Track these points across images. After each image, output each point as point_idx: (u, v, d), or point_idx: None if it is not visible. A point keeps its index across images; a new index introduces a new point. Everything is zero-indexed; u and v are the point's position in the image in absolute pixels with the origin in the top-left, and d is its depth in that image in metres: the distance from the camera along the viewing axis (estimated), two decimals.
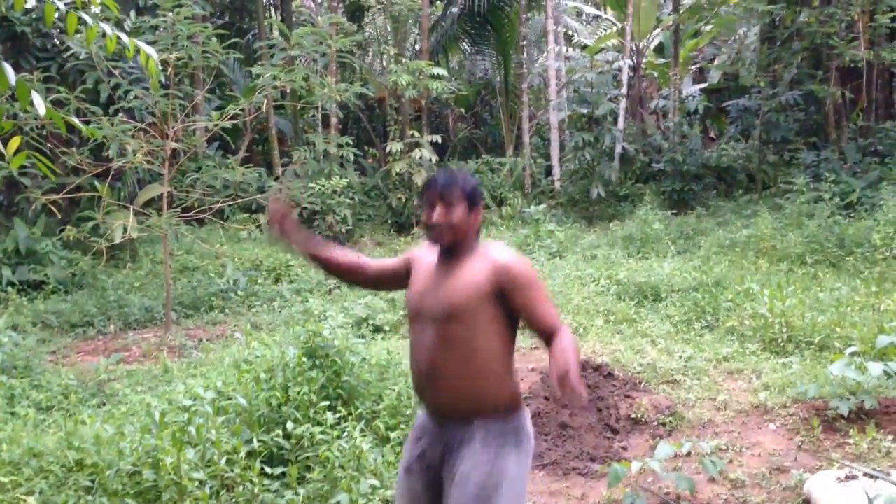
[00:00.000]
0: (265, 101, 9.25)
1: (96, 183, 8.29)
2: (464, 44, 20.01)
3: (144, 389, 5.68)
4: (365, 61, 19.11)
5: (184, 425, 3.98)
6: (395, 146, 15.00)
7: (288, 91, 10.84)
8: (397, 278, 2.84)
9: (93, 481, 3.76)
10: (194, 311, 9.05)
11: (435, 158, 15.01)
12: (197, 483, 3.70)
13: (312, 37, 9.39)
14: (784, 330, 6.48)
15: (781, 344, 6.40)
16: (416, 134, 15.09)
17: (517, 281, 2.52)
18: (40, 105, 2.98)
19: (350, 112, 17.79)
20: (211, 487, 3.78)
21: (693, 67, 20.96)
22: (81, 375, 6.08)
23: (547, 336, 2.46)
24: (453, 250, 2.61)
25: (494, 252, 2.60)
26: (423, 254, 2.76)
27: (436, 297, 2.58)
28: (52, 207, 8.71)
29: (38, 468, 3.86)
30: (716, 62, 20.02)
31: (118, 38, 3.25)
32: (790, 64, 14.53)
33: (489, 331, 2.55)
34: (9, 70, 2.80)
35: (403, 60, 15.62)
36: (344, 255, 2.89)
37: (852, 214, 10.98)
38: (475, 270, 2.56)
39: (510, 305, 2.53)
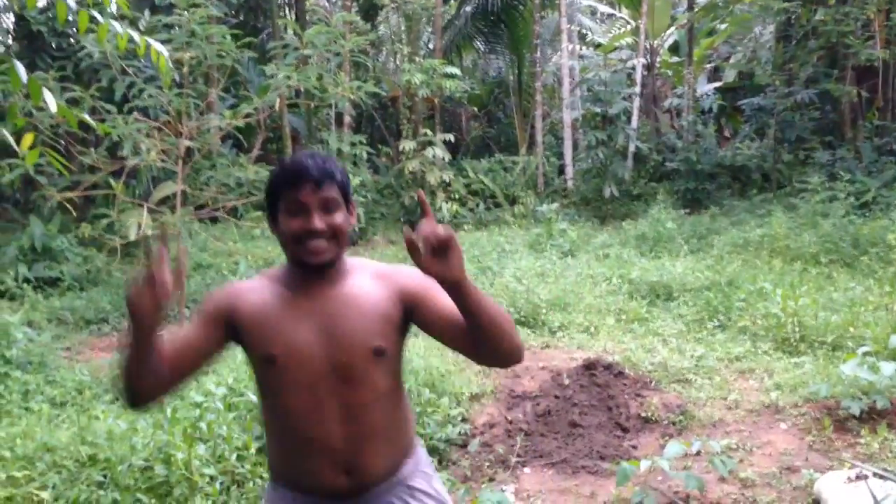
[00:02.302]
0: (279, 100, 9.28)
1: (111, 181, 8.34)
2: (477, 42, 19.99)
3: None
4: (378, 60, 19.15)
5: (195, 421, 4.02)
6: (407, 145, 15.01)
7: (301, 90, 10.88)
8: (208, 349, 1.92)
9: (105, 476, 3.80)
10: None
11: (448, 157, 15.01)
12: (208, 479, 3.73)
13: (326, 36, 9.40)
14: (797, 329, 6.45)
15: (794, 343, 6.37)
16: (429, 133, 15.10)
17: (423, 285, 1.94)
18: (52, 102, 3.01)
19: (363, 111, 17.82)
20: (221, 483, 3.81)
21: (708, 66, 20.86)
22: (95, 371, 6.13)
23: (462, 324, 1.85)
24: (327, 270, 1.94)
25: (373, 265, 2.05)
26: (249, 292, 1.95)
27: (330, 345, 1.89)
28: (68, 205, 8.75)
29: (51, 463, 3.90)
30: (731, 61, 19.93)
31: (130, 36, 3.28)
32: (806, 63, 14.44)
33: (400, 362, 2.04)
34: (20, 68, 2.83)
35: (417, 59, 15.64)
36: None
37: (867, 214, 10.91)
38: (369, 293, 1.95)
39: (418, 319, 1.96)
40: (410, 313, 1.96)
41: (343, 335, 1.90)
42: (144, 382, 1.83)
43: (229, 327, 1.93)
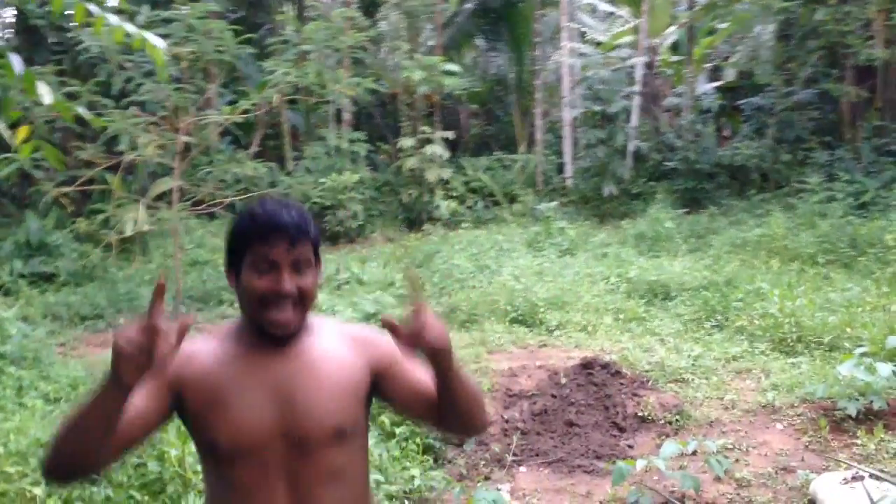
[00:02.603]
0: (277, 96, 9.27)
1: (108, 176, 8.34)
2: (477, 40, 19.98)
3: None
4: (378, 57, 19.11)
5: None
6: (407, 142, 15.00)
7: (301, 86, 10.87)
8: (155, 421, 1.66)
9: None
10: (204, 304, 9.08)
11: (447, 155, 14.99)
12: (201, 476, 3.71)
13: (325, 32, 9.41)
14: (794, 330, 6.44)
15: (791, 344, 6.36)
16: (429, 130, 15.08)
17: (395, 355, 1.76)
18: (47, 95, 2.99)
19: (363, 108, 17.80)
20: None
21: (708, 65, 20.81)
22: (90, 367, 6.11)
23: (432, 397, 1.74)
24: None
25: (339, 326, 1.84)
26: (197, 357, 1.69)
27: (285, 420, 1.65)
28: (64, 200, 8.76)
29: None
30: (731, 60, 19.89)
31: (126, 30, 3.25)
32: (805, 62, 14.42)
33: (365, 437, 1.83)
34: (15, 60, 2.81)
35: (416, 56, 15.61)
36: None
37: (866, 215, 10.89)
38: (334, 360, 1.73)
39: (384, 391, 1.79)
40: (376, 385, 1.78)
41: (301, 411, 1.67)
42: (94, 451, 1.55)
43: (174, 398, 1.68)
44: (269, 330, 1.66)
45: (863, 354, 4.94)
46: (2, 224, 12.99)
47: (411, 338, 1.57)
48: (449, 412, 1.75)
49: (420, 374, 1.76)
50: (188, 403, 1.68)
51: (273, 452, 1.66)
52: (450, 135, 15.42)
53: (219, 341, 1.74)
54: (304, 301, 1.67)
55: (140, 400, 1.61)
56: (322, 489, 1.70)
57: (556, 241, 11.38)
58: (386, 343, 1.73)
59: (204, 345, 1.74)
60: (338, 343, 1.77)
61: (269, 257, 1.63)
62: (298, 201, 1.71)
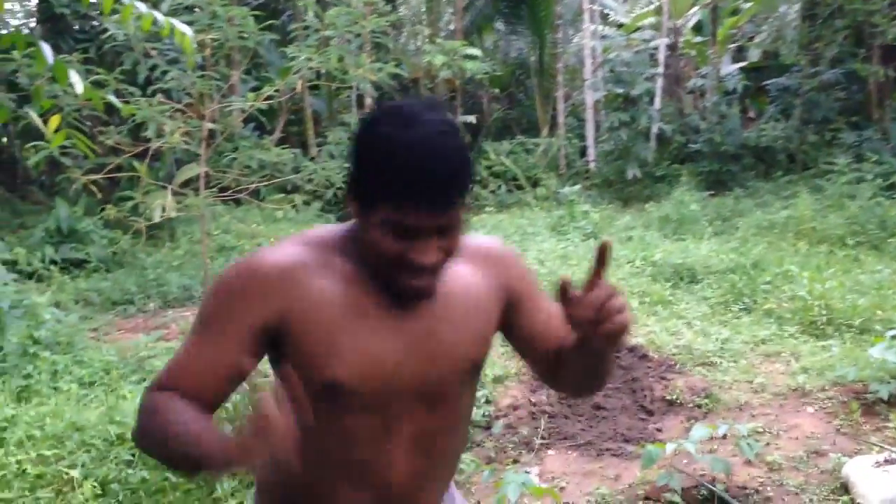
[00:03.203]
0: (300, 82, 9.27)
1: (135, 163, 8.40)
2: (498, 23, 19.87)
3: None
4: (399, 41, 19.07)
5: None
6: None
7: (322, 71, 10.86)
8: (249, 369, 1.31)
9: (133, 455, 3.85)
10: None
11: (469, 139, 14.95)
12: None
13: (347, 17, 9.37)
14: (823, 312, 6.39)
15: (821, 326, 6.31)
16: (450, 114, 15.03)
17: (530, 284, 1.55)
18: (78, 84, 3.02)
19: (384, 92, 17.77)
20: None
21: (732, 46, 20.60)
22: (122, 352, 6.19)
23: (556, 344, 1.51)
24: None
25: (467, 241, 1.43)
26: (308, 281, 1.36)
27: (420, 363, 1.41)
28: (93, 187, 8.82)
29: (80, 442, 3.95)
30: (755, 40, 19.67)
31: (154, 17, 3.27)
32: (832, 42, 14.22)
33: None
34: (46, 49, 2.84)
35: (437, 40, 15.56)
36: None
37: (895, 195, 10.77)
38: (470, 286, 1.46)
39: (510, 324, 1.54)
40: (504, 313, 1.52)
41: (441, 350, 1.42)
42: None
43: (273, 333, 1.36)
44: (400, 292, 1.36)
45: (894, 337, 4.89)
46: (33, 211, 13.16)
47: (587, 317, 1.25)
48: (571, 374, 1.51)
49: (550, 313, 1.52)
50: (295, 339, 1.36)
51: (401, 397, 1.41)
52: (472, 119, 15.37)
53: (330, 258, 1.39)
54: (447, 260, 1.35)
55: (228, 354, 1.34)
56: (447, 437, 1.50)
57: (580, 225, 11.34)
58: (521, 267, 1.55)
59: (310, 262, 1.38)
60: (469, 264, 1.47)
61: (410, 224, 1.25)
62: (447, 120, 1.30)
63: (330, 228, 1.47)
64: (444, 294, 1.42)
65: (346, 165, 1.35)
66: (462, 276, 1.46)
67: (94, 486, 3.63)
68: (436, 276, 1.34)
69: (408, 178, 1.21)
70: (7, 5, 14.77)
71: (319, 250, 1.40)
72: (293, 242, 1.42)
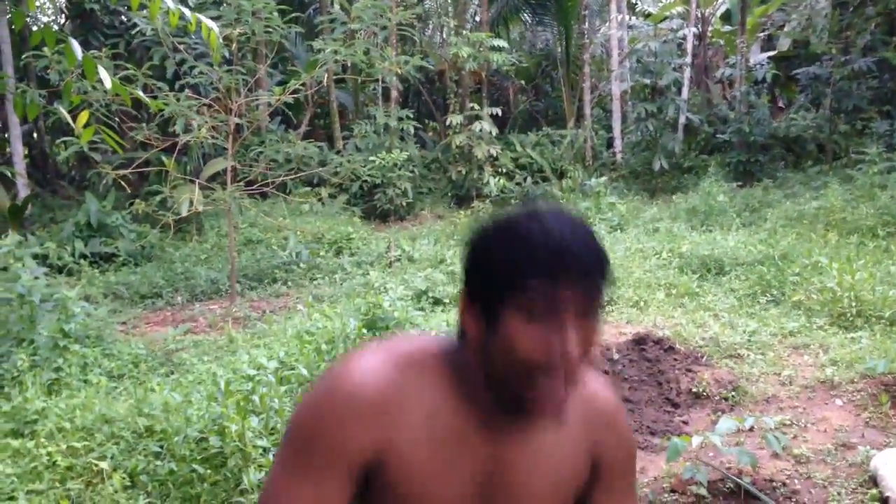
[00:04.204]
0: (326, 76, 9.31)
1: (163, 158, 8.49)
2: (524, 14, 19.80)
3: (210, 359, 5.83)
4: (425, 34, 19.07)
5: (248, 394, 4.08)
6: (455, 119, 14.97)
7: (349, 65, 10.89)
8: None
9: (161, 447, 3.89)
10: (258, 283, 9.23)
11: (495, 131, 14.93)
12: (261, 450, 3.79)
13: (373, 10, 9.39)
14: (853, 304, 6.31)
15: (850, 318, 6.23)
16: (476, 107, 15.03)
17: (624, 463, 1.36)
18: (107, 79, 3.05)
19: (410, 85, 17.80)
20: (274, 455, 3.87)
21: (761, 34, 20.35)
22: (150, 345, 6.27)
23: None
24: None
25: (589, 387, 1.31)
26: (406, 402, 1.18)
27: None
28: (122, 182, 8.93)
29: (109, 434, 4.01)
30: (785, 29, 19.41)
31: (181, 12, 3.30)
32: (863, 30, 14.02)
33: None
34: (76, 46, 2.87)
35: (464, 32, 15.54)
36: None
37: None
38: (564, 442, 1.28)
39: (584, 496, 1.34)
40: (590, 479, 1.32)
41: (512, 499, 1.24)
42: None
43: (365, 472, 1.19)
44: (530, 409, 1.15)
45: None
46: (63, 206, 13.35)
47: None
48: None
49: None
50: (388, 481, 1.18)
51: None
52: (498, 111, 15.35)
53: (424, 384, 1.21)
54: (580, 370, 1.14)
55: (331, 495, 1.16)
56: None
57: (607, 217, 11.30)
58: (625, 435, 1.35)
59: (409, 389, 1.20)
60: (576, 410, 1.27)
61: (555, 298, 1.10)
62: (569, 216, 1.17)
63: (424, 342, 1.27)
64: (534, 440, 1.24)
65: (461, 274, 1.21)
66: (568, 426, 1.27)
67: (123, 478, 3.69)
68: (569, 387, 1.13)
69: (552, 250, 1.10)
70: (37, 2, 14.97)
71: (415, 371, 1.21)
72: (383, 358, 1.22)
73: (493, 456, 1.21)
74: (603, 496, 1.32)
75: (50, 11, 18.54)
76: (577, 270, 1.10)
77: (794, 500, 3.74)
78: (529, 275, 1.09)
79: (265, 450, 3.82)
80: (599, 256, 1.14)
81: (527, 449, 1.23)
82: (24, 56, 8.69)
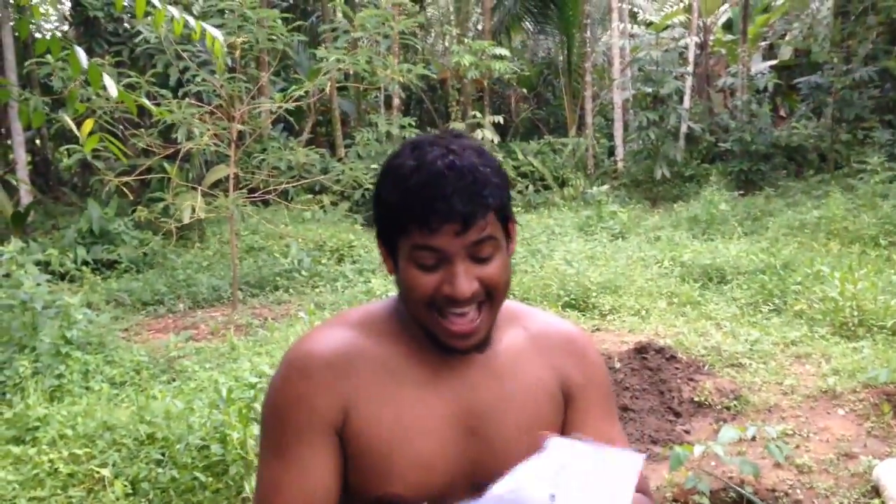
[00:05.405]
0: (329, 84, 9.33)
1: (166, 165, 8.51)
2: (526, 23, 19.86)
3: (212, 366, 5.83)
4: (427, 42, 19.12)
5: (250, 402, 4.08)
6: (456, 127, 14.99)
7: (351, 73, 10.92)
8: (339, 478, 1.21)
9: (163, 454, 3.89)
10: (260, 290, 9.22)
11: (497, 139, 14.96)
12: None
13: (375, 19, 9.43)
14: (855, 313, 6.30)
15: (852, 328, 6.23)
16: (478, 115, 15.06)
17: (593, 381, 1.36)
18: (112, 87, 3.06)
19: (412, 93, 17.83)
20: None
21: (763, 44, 20.40)
22: (152, 352, 6.27)
23: None
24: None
25: (530, 318, 1.35)
26: (356, 360, 1.22)
27: (481, 456, 1.24)
28: (124, 189, 8.94)
29: (111, 441, 4.01)
30: (787, 38, 19.46)
31: (185, 20, 3.31)
32: (865, 39, 14.04)
33: None
34: (81, 54, 2.88)
35: (465, 41, 15.58)
36: None
37: None
38: (530, 375, 1.29)
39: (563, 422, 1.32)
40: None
41: (495, 447, 1.23)
42: None
43: (339, 431, 1.20)
44: (446, 342, 1.18)
45: None
46: (65, 213, 13.37)
47: None
48: None
49: (602, 430, 1.30)
50: (353, 446, 1.20)
51: (457, 491, 1.21)
52: (499, 119, 15.38)
53: (372, 341, 1.24)
54: (492, 296, 1.17)
55: (318, 468, 1.18)
56: None
57: (608, 225, 11.30)
58: (595, 363, 1.37)
59: (358, 346, 1.23)
60: (529, 347, 1.31)
61: (434, 247, 1.12)
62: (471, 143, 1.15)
63: (369, 306, 1.32)
64: (501, 373, 1.26)
65: (372, 215, 1.24)
66: (520, 360, 1.29)
67: (125, 485, 3.69)
68: (484, 314, 1.17)
69: (423, 195, 1.10)
70: (41, 10, 15.02)
71: (364, 329, 1.25)
72: (330, 325, 1.28)
73: (459, 397, 1.23)
74: (579, 420, 1.31)
75: (53, 19, 18.59)
76: (454, 210, 1.09)
77: None
78: (406, 219, 1.12)
79: None
80: (478, 193, 1.11)
81: (492, 391, 1.24)
82: (27, 63, 8.73)
